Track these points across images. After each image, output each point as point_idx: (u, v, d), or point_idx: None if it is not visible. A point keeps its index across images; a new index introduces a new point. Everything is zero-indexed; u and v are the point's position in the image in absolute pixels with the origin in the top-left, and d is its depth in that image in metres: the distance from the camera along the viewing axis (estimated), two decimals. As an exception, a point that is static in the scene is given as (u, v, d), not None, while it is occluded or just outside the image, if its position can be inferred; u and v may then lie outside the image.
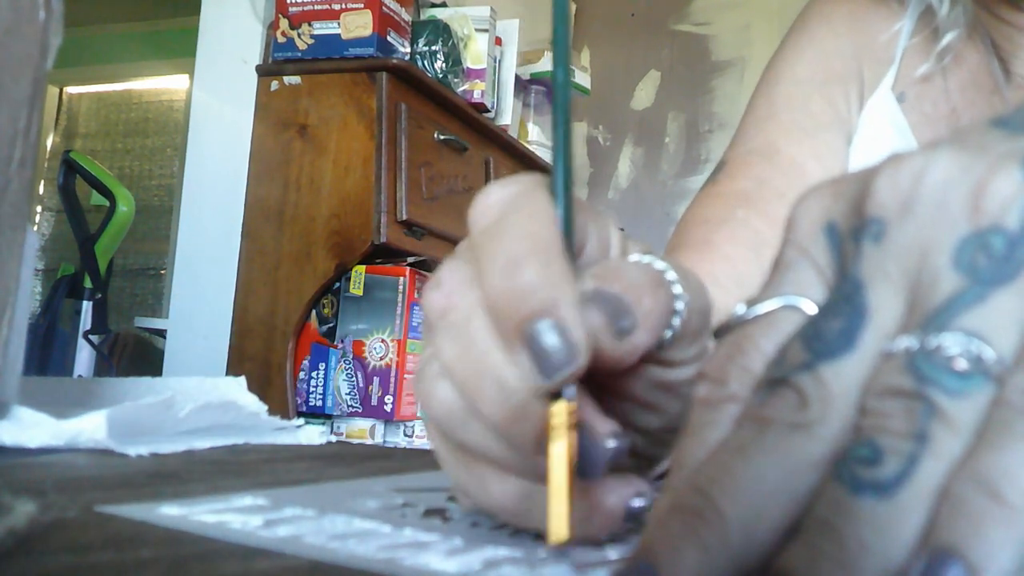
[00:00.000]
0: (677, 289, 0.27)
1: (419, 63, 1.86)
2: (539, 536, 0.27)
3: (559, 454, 0.23)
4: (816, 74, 0.71)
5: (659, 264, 0.27)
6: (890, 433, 0.17)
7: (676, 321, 0.27)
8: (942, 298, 0.18)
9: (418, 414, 0.31)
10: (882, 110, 0.70)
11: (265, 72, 1.81)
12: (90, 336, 2.40)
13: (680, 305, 0.27)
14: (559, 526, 0.23)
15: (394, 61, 1.73)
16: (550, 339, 0.23)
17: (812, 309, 0.20)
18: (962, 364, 0.17)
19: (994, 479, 0.16)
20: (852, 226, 0.20)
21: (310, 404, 1.73)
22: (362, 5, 1.74)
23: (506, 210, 0.25)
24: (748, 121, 0.72)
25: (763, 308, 0.21)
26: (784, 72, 0.73)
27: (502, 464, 0.25)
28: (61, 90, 4.62)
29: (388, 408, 1.69)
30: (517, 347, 0.23)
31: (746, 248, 0.62)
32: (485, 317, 0.24)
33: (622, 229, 0.31)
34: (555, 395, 0.23)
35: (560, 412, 0.23)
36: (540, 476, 0.24)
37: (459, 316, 0.25)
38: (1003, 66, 0.67)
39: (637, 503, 0.25)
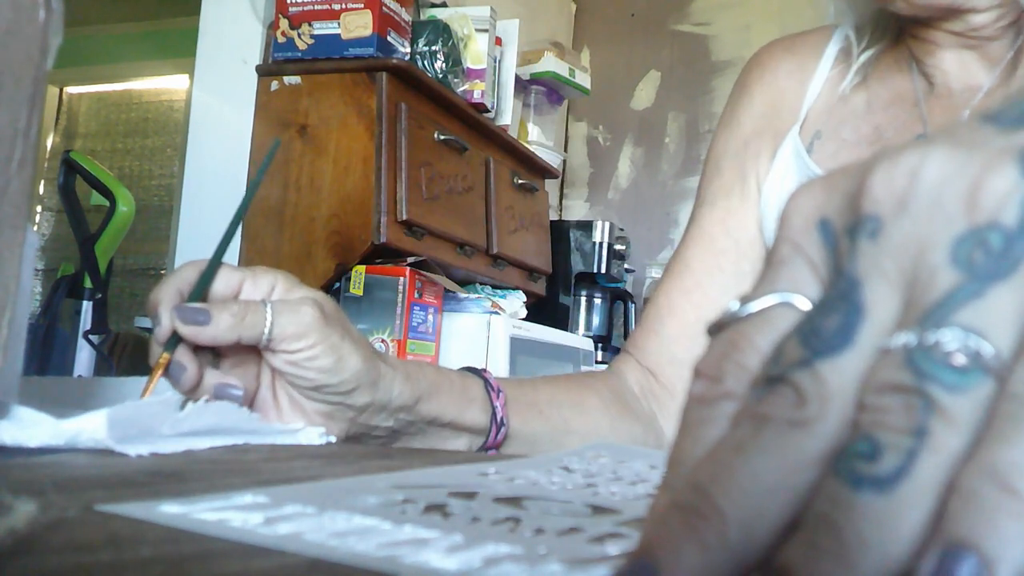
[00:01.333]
0: (269, 316, 0.52)
1: (419, 63, 1.86)
2: (539, 531, 0.27)
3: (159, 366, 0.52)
4: (730, 146, 0.83)
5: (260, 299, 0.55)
6: (888, 429, 0.17)
7: (265, 336, 0.52)
8: (939, 294, 0.18)
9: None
10: (789, 152, 0.78)
11: (265, 72, 1.81)
12: (90, 336, 2.40)
13: (267, 328, 0.52)
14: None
15: (394, 61, 1.73)
16: (157, 321, 0.52)
17: (807, 306, 0.20)
18: (960, 360, 0.17)
19: (1006, 472, 0.16)
20: (847, 223, 0.20)
21: (310, 404, 1.73)
22: (362, 5, 1.74)
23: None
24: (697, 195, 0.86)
25: (757, 305, 0.21)
26: (712, 149, 0.86)
27: None
28: (61, 90, 4.62)
29: (388, 408, 1.69)
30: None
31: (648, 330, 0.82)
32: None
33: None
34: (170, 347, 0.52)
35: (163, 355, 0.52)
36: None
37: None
38: (927, 79, 0.74)
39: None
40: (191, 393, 0.53)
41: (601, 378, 0.79)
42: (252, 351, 0.55)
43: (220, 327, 0.51)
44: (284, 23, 1.79)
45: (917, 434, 0.17)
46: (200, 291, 0.54)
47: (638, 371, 0.80)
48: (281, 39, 1.79)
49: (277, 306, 0.53)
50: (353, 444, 0.56)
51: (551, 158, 2.48)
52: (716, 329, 0.21)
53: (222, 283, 0.55)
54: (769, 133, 0.80)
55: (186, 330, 0.51)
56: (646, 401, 0.79)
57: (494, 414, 0.64)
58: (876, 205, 0.19)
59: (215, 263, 0.55)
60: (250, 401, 0.56)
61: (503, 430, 0.64)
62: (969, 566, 0.15)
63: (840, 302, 0.19)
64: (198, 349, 0.54)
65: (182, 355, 0.52)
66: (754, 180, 0.80)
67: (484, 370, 0.67)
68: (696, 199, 0.85)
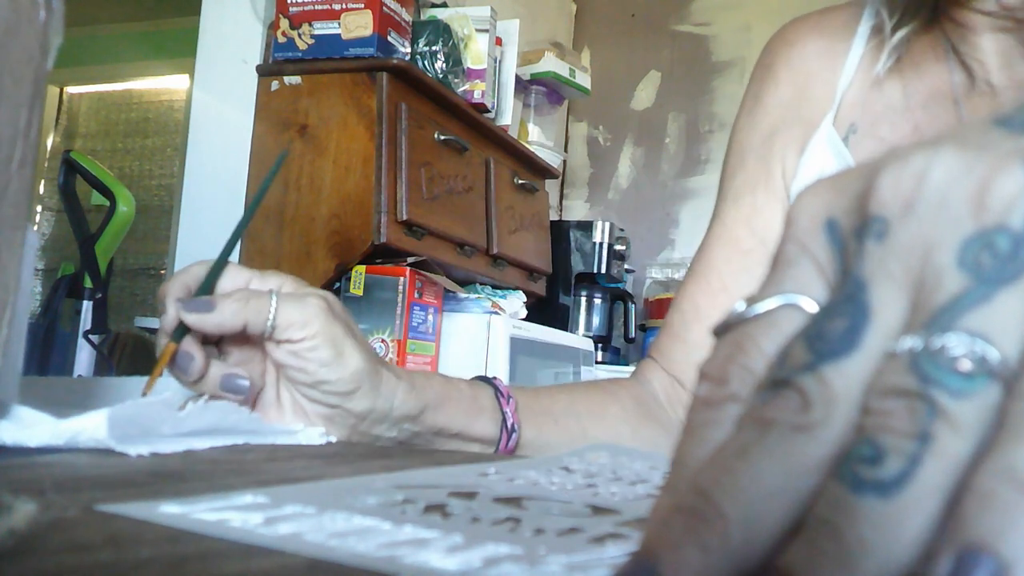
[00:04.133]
0: (274, 303, 0.53)
1: (419, 63, 1.86)
2: (539, 531, 0.27)
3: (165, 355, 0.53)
4: (755, 135, 0.77)
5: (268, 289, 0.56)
6: (892, 433, 0.17)
7: (269, 323, 0.53)
8: (946, 298, 0.18)
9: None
10: (824, 146, 0.72)
11: (265, 72, 1.81)
12: (90, 336, 2.40)
13: (272, 314, 0.53)
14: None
15: (394, 61, 1.73)
16: (164, 312, 0.54)
17: (813, 307, 0.20)
18: (966, 365, 0.17)
19: None
20: (854, 224, 0.20)
21: (310, 404, 1.73)
22: (362, 5, 1.74)
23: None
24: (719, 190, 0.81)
25: (763, 307, 0.21)
26: (734, 139, 0.80)
27: None
28: (61, 90, 4.62)
29: (388, 408, 1.69)
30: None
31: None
32: None
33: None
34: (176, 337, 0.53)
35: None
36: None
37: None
38: (968, 74, 0.68)
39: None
40: (197, 384, 0.53)
41: (624, 385, 0.76)
42: (257, 349, 0.56)
43: (225, 313, 0.53)
44: (284, 23, 1.79)
45: (921, 439, 0.17)
46: (208, 286, 0.55)
47: (664, 379, 0.77)
48: (281, 39, 1.79)
49: (282, 296, 0.54)
50: (353, 444, 0.56)
51: (551, 158, 2.49)
52: (722, 330, 0.21)
53: (229, 281, 0.56)
54: (797, 122, 0.74)
55: (191, 318, 0.52)
56: (672, 409, 0.76)
57: (504, 420, 0.62)
58: (882, 206, 0.19)
59: (222, 260, 0.56)
60: (253, 400, 0.56)
61: (514, 437, 0.63)
62: (987, 569, 0.15)
63: (846, 305, 0.19)
64: (204, 342, 0.54)
65: (189, 345, 0.53)
66: (780, 174, 0.74)
67: (495, 378, 0.65)
68: (719, 192, 0.79)
